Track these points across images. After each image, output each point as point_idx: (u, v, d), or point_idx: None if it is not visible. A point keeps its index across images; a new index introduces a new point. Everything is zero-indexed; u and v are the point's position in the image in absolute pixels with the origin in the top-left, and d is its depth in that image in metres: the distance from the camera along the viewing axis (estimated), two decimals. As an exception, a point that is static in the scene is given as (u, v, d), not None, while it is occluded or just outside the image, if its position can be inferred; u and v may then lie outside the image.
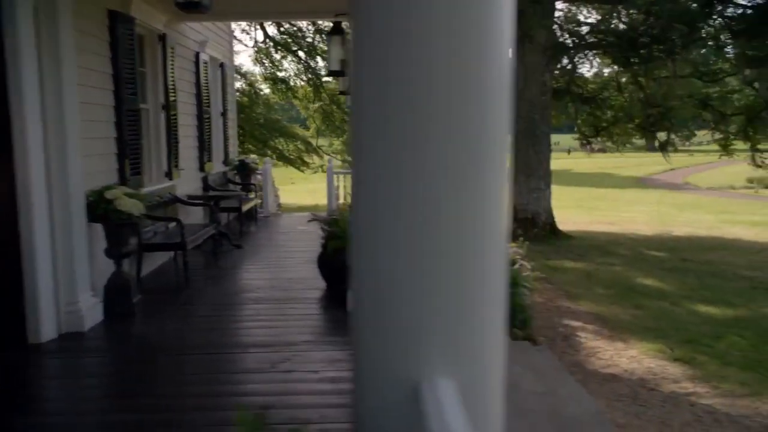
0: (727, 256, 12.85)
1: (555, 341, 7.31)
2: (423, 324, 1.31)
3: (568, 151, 55.74)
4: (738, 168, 33.82)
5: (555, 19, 13.69)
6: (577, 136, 16.68)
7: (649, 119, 15.14)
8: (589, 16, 16.54)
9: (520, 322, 6.83)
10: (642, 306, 8.84)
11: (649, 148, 76.83)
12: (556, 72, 15.75)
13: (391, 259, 1.25)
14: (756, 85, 13.90)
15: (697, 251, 13.31)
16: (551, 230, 13.76)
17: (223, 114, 10.23)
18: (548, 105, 13.50)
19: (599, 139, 16.48)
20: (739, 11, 11.32)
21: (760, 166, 15.54)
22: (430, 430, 1.10)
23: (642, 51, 11.50)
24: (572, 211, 22.99)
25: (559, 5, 13.61)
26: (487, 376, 1.63)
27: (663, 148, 15.71)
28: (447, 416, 1.13)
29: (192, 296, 6.44)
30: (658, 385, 6.03)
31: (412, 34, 1.19)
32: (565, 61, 14.23)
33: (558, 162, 53.20)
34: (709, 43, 12.08)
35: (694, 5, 10.83)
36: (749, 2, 10.99)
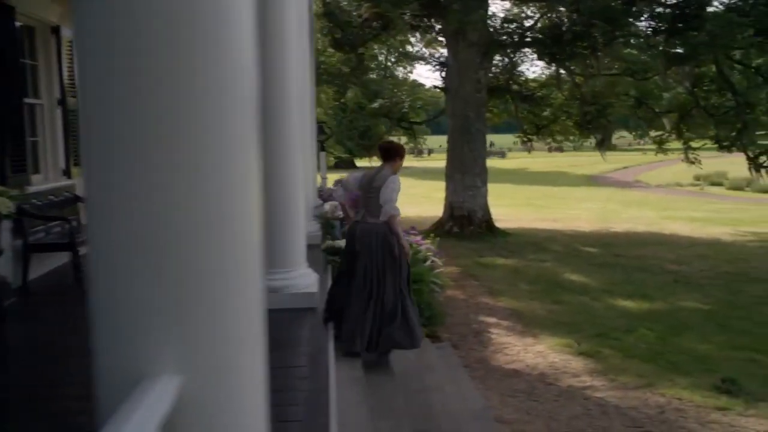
0: (659, 251, 13.01)
1: (466, 338, 7.23)
2: (152, 320, 1.36)
3: (503, 154, 55.86)
4: (686, 166, 34.70)
5: (490, 17, 13.72)
6: (518, 135, 16.75)
7: (586, 117, 15.28)
8: (533, 15, 16.65)
9: (426, 320, 6.72)
10: (562, 301, 8.84)
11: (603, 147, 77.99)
12: (497, 70, 15.80)
13: (122, 253, 1.32)
14: (687, 84, 14.15)
15: (630, 247, 13.45)
16: (488, 227, 13.75)
17: (61, 103, 9.82)
18: (483, 103, 13.50)
19: (539, 137, 16.55)
20: (658, 10, 11.44)
21: (692, 163, 15.83)
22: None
23: (567, 48, 11.57)
24: (521, 208, 23.15)
25: (498, 3, 13.60)
26: (228, 376, 1.54)
27: (600, 145, 15.87)
28: (133, 414, 1.15)
29: (79, 298, 6.14)
30: (557, 379, 5.97)
31: (139, 36, 1.24)
32: (499, 58, 14.26)
33: (514, 162, 53.77)
34: (632, 41, 12.22)
35: (617, 2, 10.90)
36: (669, 0, 11.10)
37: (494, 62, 14.44)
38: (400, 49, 15.56)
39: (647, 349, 6.80)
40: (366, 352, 4.64)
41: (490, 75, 15.97)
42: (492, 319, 7.96)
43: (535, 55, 13.73)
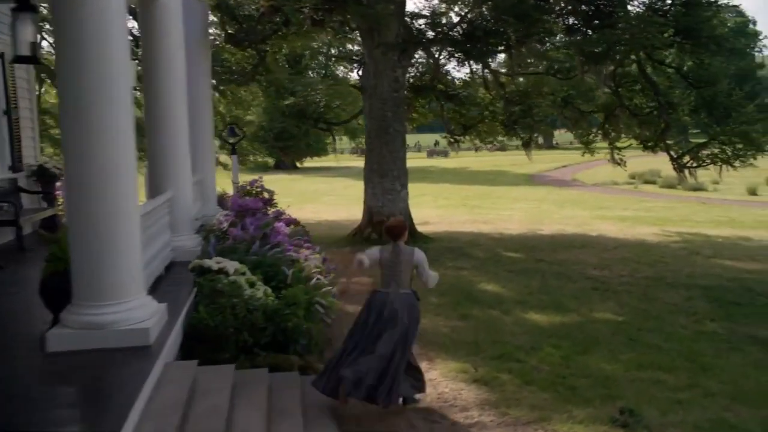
0: (582, 255, 12.60)
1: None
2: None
3: (446, 154, 55.51)
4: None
5: (408, 15, 13.02)
6: (444, 135, 16.13)
7: (512, 117, 14.79)
8: (461, 12, 16.04)
9: (302, 348, 5.93)
10: (469, 316, 8.19)
11: (546, 145, 79.06)
12: (420, 68, 15.15)
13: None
14: (609, 83, 13.79)
15: (555, 250, 13.01)
16: (409, 233, 13.03)
17: (7, 113, 8.79)
18: (402, 102, 12.79)
19: (466, 137, 15.99)
20: (569, 7, 10.96)
21: (618, 164, 15.56)
22: None
23: (479, 46, 10.97)
24: (455, 209, 22.66)
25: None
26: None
27: (527, 146, 15.43)
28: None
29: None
30: (444, 416, 5.27)
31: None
32: (421, 55, 13.59)
33: (456, 161, 53.44)
34: (547, 39, 11.77)
35: (530, -2, 10.39)
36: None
37: (416, 60, 13.79)
38: (317, 46, 14.72)
39: (549, 373, 6.18)
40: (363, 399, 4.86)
41: (416, 73, 15.33)
42: (388, 341, 7.22)
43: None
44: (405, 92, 12.92)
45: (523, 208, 23.50)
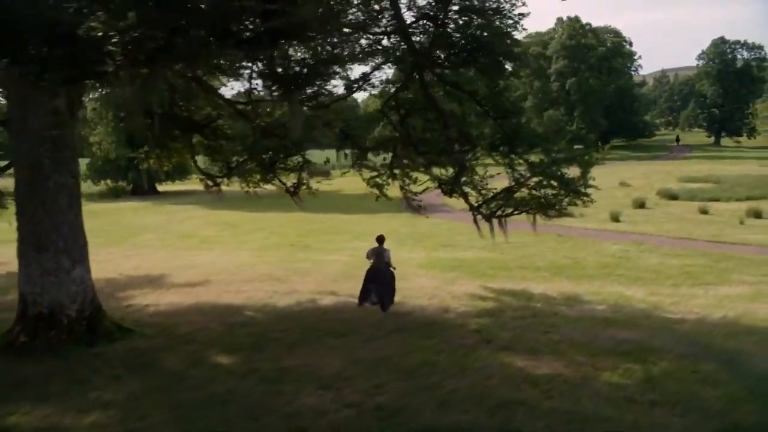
0: (329, 356, 8.80)
1: None
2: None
3: (327, 174, 51.78)
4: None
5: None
6: (200, 177, 12.02)
7: (273, 156, 10.91)
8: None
9: None
10: None
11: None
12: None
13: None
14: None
15: (298, 345, 9.11)
16: (90, 327, 8.74)
17: None
18: (69, 142, 8.54)
19: (229, 180, 11.96)
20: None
21: (417, 210, 11.96)
22: None
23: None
24: (274, 253, 18.64)
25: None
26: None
27: (294, 193, 11.59)
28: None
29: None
30: None
31: None
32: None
33: (338, 182, 49.34)
34: (222, 61, 8.03)
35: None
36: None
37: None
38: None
39: None
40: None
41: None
42: None
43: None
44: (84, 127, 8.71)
45: (359, 248, 19.79)
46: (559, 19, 73.72)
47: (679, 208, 28.99)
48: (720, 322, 10.30)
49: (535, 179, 10.51)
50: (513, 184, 10.43)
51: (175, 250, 20.19)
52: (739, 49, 78.47)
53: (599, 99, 68.25)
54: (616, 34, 78.27)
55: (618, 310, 11.27)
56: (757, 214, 25.60)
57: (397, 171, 11.10)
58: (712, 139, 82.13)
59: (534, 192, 10.82)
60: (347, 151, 11.20)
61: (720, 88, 77.61)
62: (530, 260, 16.84)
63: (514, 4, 9.33)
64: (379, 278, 10.53)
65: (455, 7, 9.17)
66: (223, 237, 23.17)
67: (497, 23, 9.53)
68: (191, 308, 11.09)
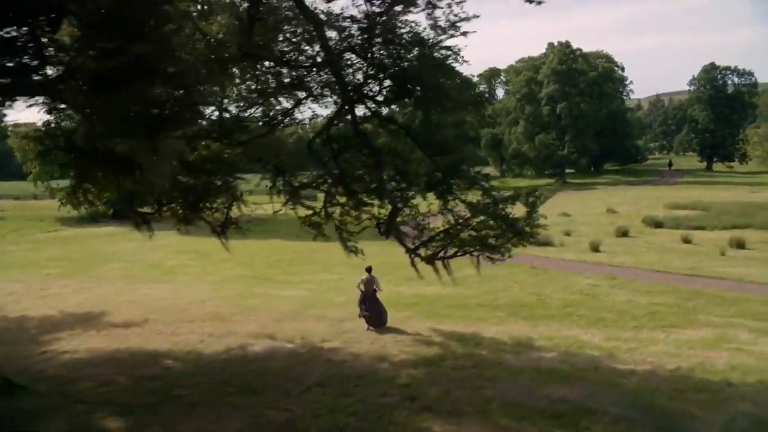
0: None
1: None
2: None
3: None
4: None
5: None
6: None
7: (194, 194, 10.20)
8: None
9: None
10: None
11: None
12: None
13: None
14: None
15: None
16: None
17: None
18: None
19: (161, 216, 11.26)
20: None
21: (354, 252, 11.22)
22: None
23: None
24: (230, 286, 17.86)
25: None
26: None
27: (222, 231, 10.86)
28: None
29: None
30: None
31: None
32: None
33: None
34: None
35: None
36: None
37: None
38: None
39: None
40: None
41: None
42: None
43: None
44: None
45: (323, 281, 19.04)
46: (550, 44, 73.64)
47: (662, 237, 28.23)
48: (671, 376, 9.48)
49: (476, 219, 9.80)
50: (449, 225, 9.71)
51: (134, 282, 19.42)
52: (730, 75, 78.27)
53: (590, 124, 67.77)
54: (608, 59, 78.22)
55: (567, 359, 10.45)
56: (740, 245, 24.79)
57: (332, 209, 10.38)
58: (705, 164, 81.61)
59: (474, 233, 10.11)
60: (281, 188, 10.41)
61: (711, 113, 77.19)
62: (493, 297, 16.03)
63: (452, 35, 8.69)
64: (371, 303, 12.74)
65: (380, 39, 8.53)
66: (189, 267, 22.40)
67: (435, 55, 8.91)
68: (109, 356, 10.31)
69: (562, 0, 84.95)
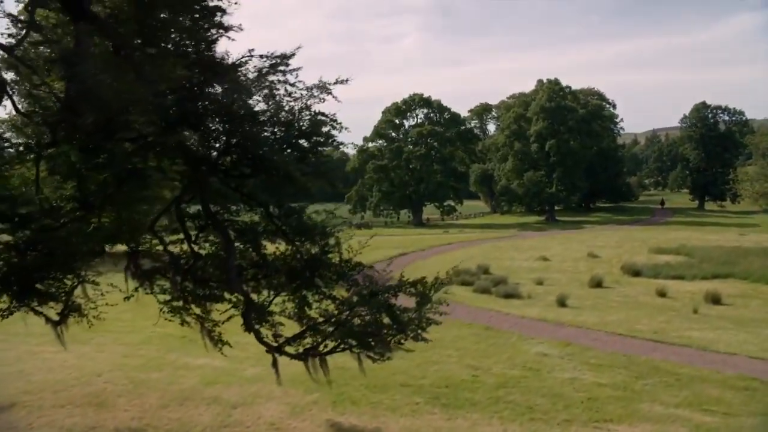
0: None
1: None
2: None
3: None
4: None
5: None
6: None
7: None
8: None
9: None
10: None
11: (415, 222, 74.77)
12: None
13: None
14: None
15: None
16: None
17: None
18: None
19: None
20: None
21: (224, 345, 9.53)
22: None
23: None
24: (148, 350, 16.10)
25: None
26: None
27: (60, 322, 9.23)
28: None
29: None
30: None
31: None
32: None
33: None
34: None
35: None
36: None
37: None
38: None
39: None
40: None
41: None
42: None
43: None
44: None
45: (249, 344, 17.25)
46: (540, 81, 72.80)
47: (637, 288, 26.48)
48: None
49: (345, 314, 8.11)
50: (310, 322, 8.02)
51: (44, 343, 17.69)
52: (721, 114, 77.12)
53: (579, 161, 66.46)
54: (599, 96, 77.29)
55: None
56: (716, 299, 23.03)
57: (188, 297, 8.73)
58: (697, 203, 79.96)
59: (355, 326, 8.42)
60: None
61: (702, 152, 75.85)
62: (422, 372, 14.18)
63: (292, 106, 7.17)
64: None
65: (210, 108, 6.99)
66: (117, 322, 20.61)
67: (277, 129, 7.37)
68: None
69: (563, 34, 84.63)
